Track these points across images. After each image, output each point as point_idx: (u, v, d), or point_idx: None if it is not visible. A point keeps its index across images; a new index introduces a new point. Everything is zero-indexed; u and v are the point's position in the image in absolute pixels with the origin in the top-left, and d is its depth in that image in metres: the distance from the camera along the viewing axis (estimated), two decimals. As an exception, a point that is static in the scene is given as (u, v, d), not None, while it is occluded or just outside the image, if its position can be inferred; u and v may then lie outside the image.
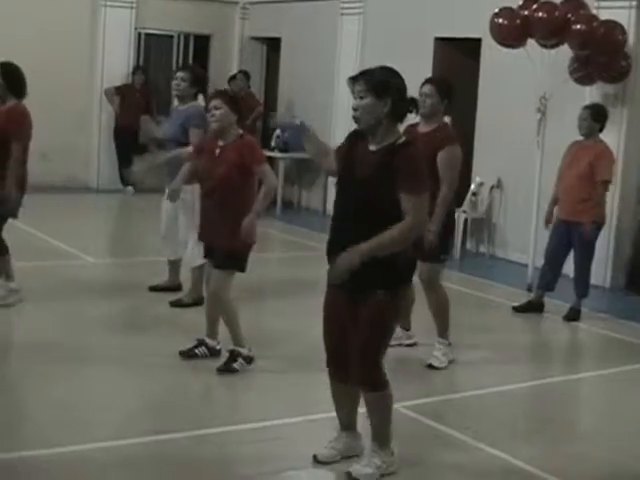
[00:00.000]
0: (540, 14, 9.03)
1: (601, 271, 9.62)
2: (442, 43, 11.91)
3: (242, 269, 6.30)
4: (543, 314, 8.57)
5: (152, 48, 15.14)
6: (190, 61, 14.87)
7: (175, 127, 7.81)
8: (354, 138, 4.71)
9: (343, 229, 4.67)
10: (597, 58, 9.22)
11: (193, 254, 7.82)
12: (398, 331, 7.09)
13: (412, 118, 5.27)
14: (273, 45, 15.20)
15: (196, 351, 6.49)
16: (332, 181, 13.50)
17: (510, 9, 9.34)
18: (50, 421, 5.29)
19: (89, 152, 14.47)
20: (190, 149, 6.94)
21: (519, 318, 8.52)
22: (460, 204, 10.47)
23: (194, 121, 7.73)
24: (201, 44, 15.30)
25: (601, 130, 8.42)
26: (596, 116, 8.36)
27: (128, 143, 14.09)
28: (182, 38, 15.18)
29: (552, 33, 9.01)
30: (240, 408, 6.03)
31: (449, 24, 11.57)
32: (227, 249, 6.17)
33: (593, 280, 8.83)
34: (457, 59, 11.76)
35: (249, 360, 6.31)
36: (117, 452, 4.93)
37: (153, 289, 8.26)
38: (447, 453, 5.24)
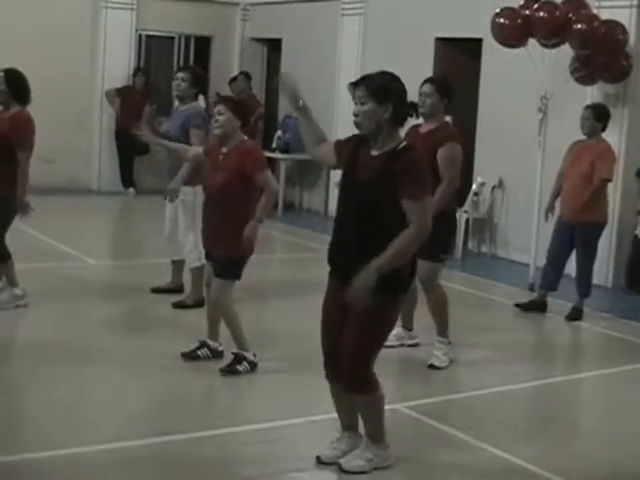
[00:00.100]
0: (541, 14, 9.03)
1: (603, 270, 9.62)
2: (443, 43, 11.91)
3: (237, 277, 6.32)
4: (546, 314, 8.56)
5: (153, 50, 15.15)
6: (191, 63, 14.85)
7: (176, 128, 7.82)
8: (357, 143, 4.71)
9: (345, 232, 4.68)
10: (598, 58, 9.22)
11: (191, 255, 7.83)
12: (401, 331, 7.11)
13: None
14: (274, 46, 15.20)
15: (198, 353, 6.49)
16: (333, 182, 13.54)
17: (511, 9, 9.34)
18: (52, 423, 5.29)
19: (90, 154, 14.48)
20: (196, 149, 6.92)
21: (521, 318, 8.51)
22: (462, 204, 10.46)
23: (194, 121, 7.74)
24: (202, 45, 15.30)
25: (603, 130, 8.43)
26: (598, 116, 8.36)
27: (129, 145, 14.11)
28: (183, 40, 15.18)
29: (553, 33, 9.01)
30: (242, 409, 6.03)
31: (450, 24, 11.56)
32: (226, 258, 6.19)
33: (595, 280, 8.83)
34: (458, 59, 11.76)
35: (253, 365, 6.31)
36: (120, 453, 4.93)
37: (155, 291, 8.27)
38: (449, 453, 5.24)
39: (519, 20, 9.22)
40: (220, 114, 6.21)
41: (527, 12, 9.15)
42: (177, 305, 7.86)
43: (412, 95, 4.83)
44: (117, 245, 11.63)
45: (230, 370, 6.25)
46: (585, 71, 9.34)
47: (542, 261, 8.83)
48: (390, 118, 4.56)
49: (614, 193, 9.20)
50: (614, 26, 9.26)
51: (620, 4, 9.56)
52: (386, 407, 4.89)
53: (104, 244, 11.51)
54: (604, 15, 9.37)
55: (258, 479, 4.84)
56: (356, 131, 4.70)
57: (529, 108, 9.55)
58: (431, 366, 6.73)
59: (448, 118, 7.02)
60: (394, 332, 6.38)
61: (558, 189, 8.53)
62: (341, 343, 4.65)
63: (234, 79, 14.50)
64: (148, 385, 6.06)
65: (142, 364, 6.41)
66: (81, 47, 14.15)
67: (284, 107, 14.59)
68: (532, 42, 9.23)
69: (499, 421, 5.88)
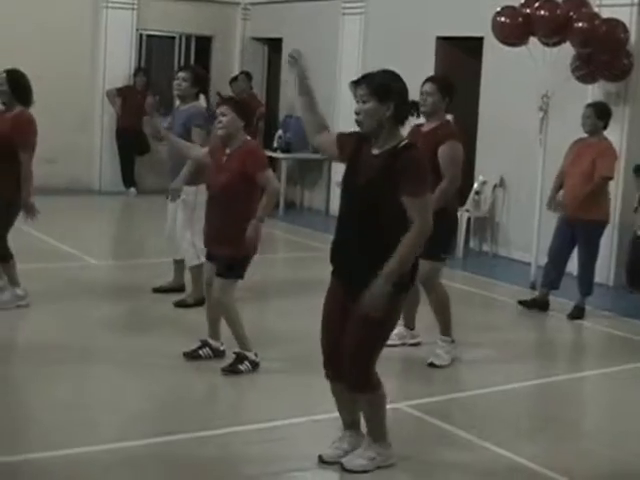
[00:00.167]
0: (542, 12, 9.03)
1: (605, 269, 9.62)
2: (444, 42, 11.90)
3: (240, 277, 6.32)
4: (548, 312, 8.55)
5: (153, 49, 15.14)
6: (192, 62, 14.84)
7: (177, 127, 7.82)
8: (359, 140, 4.71)
9: (347, 232, 4.68)
10: (599, 56, 9.21)
11: (188, 254, 7.84)
12: (402, 330, 7.11)
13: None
14: (275, 46, 15.19)
15: (200, 352, 6.49)
16: (335, 181, 13.55)
17: (512, 7, 9.34)
18: (55, 423, 5.29)
19: (91, 154, 14.47)
20: (199, 150, 6.91)
21: (523, 316, 8.51)
22: (463, 203, 10.46)
23: (196, 121, 7.75)
24: (202, 45, 15.30)
25: (605, 128, 8.43)
26: (600, 114, 8.36)
27: (130, 145, 14.12)
28: (183, 39, 15.17)
29: (554, 31, 9.01)
30: (244, 409, 6.03)
31: (451, 23, 11.56)
32: (229, 257, 6.19)
33: (597, 278, 8.83)
34: (459, 58, 11.75)
35: (255, 365, 6.31)
36: (122, 453, 4.93)
37: (157, 290, 8.26)
38: (452, 452, 5.24)
39: (520, 19, 9.22)
40: (223, 115, 6.21)
41: (528, 11, 9.15)
42: (178, 304, 7.87)
43: (413, 94, 4.83)
44: (118, 245, 11.63)
45: (232, 370, 6.25)
46: (586, 70, 9.33)
47: (543, 260, 8.82)
48: (391, 117, 4.57)
49: (615, 191, 9.20)
50: (615, 24, 9.25)
51: (621, 2, 9.55)
52: (388, 406, 4.90)
53: (105, 244, 11.51)
54: (605, 13, 9.36)
55: (260, 478, 4.84)
56: (357, 129, 4.71)
57: (530, 107, 9.55)
58: (431, 364, 6.73)
59: (449, 117, 7.02)
60: (396, 331, 6.37)
61: (559, 186, 8.53)
62: (343, 343, 4.65)
63: (235, 79, 14.49)
64: (150, 385, 6.07)
65: (144, 364, 6.41)
66: (82, 47, 14.14)
67: (285, 107, 14.60)
68: (533, 41, 9.22)
69: (501, 420, 5.88)
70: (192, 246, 7.82)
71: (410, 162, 4.53)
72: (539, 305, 8.60)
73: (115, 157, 14.37)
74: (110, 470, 4.76)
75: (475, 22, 10.67)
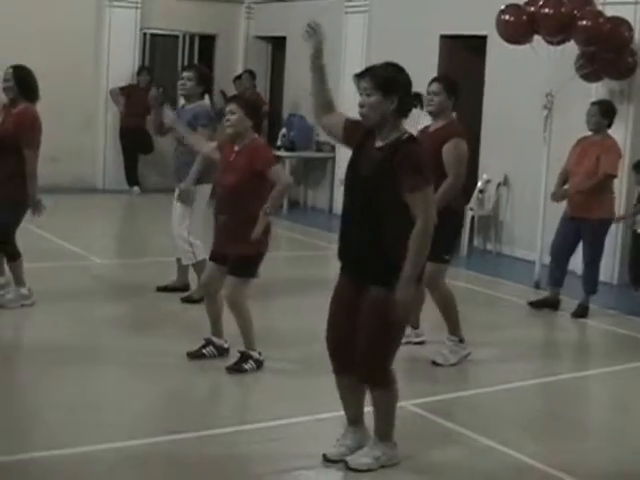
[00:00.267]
0: (546, 10, 9.03)
1: (609, 267, 9.61)
2: (448, 40, 11.90)
3: (253, 275, 6.28)
4: (555, 311, 8.53)
5: (157, 48, 15.15)
6: (195, 61, 14.86)
7: (182, 126, 7.82)
8: (364, 132, 4.69)
9: (350, 227, 4.69)
10: (603, 54, 9.20)
11: (185, 253, 7.84)
12: (407, 329, 7.09)
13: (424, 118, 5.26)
14: (278, 44, 15.19)
15: (204, 351, 6.49)
16: (338, 179, 13.50)
17: (516, 6, 9.34)
18: (60, 422, 5.29)
19: (95, 153, 14.49)
20: (210, 145, 6.89)
21: (527, 315, 8.51)
22: (469, 201, 10.45)
23: (201, 120, 7.74)
24: (206, 44, 15.31)
25: (609, 126, 8.42)
26: (604, 112, 8.36)
27: (134, 143, 14.12)
28: (187, 38, 15.18)
29: (558, 30, 9.01)
30: (249, 408, 6.04)
31: (455, 21, 11.55)
32: (242, 255, 6.13)
33: (601, 276, 8.81)
34: (463, 56, 11.74)
35: (259, 364, 6.31)
36: (128, 452, 4.93)
37: (161, 289, 8.26)
38: (456, 451, 5.24)
39: (524, 17, 9.22)
40: (232, 113, 6.18)
41: (532, 9, 9.15)
42: (185, 300, 7.89)
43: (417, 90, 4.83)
44: (122, 244, 11.63)
45: (237, 368, 6.25)
46: (590, 68, 9.32)
47: (548, 258, 8.82)
48: (395, 110, 4.56)
49: (619, 189, 9.19)
50: (619, 23, 9.24)
51: (625, 0, 9.55)
52: (394, 405, 4.90)
53: (109, 243, 11.52)
54: (609, 12, 9.36)
55: (265, 477, 4.84)
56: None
57: (534, 105, 9.55)
58: (434, 363, 6.74)
59: (453, 114, 7.02)
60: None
61: (562, 182, 8.51)
62: (354, 338, 4.64)
63: (238, 77, 14.51)
64: (154, 383, 6.06)
65: (148, 363, 6.41)
66: (85, 46, 14.15)
67: (288, 105, 14.60)
68: (537, 39, 9.23)
69: (506, 418, 5.88)
70: (188, 245, 7.82)
71: (409, 155, 4.52)
72: (550, 304, 8.56)
73: (119, 156, 14.38)
74: (115, 469, 4.76)
75: (479, 20, 10.66)
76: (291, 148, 13.85)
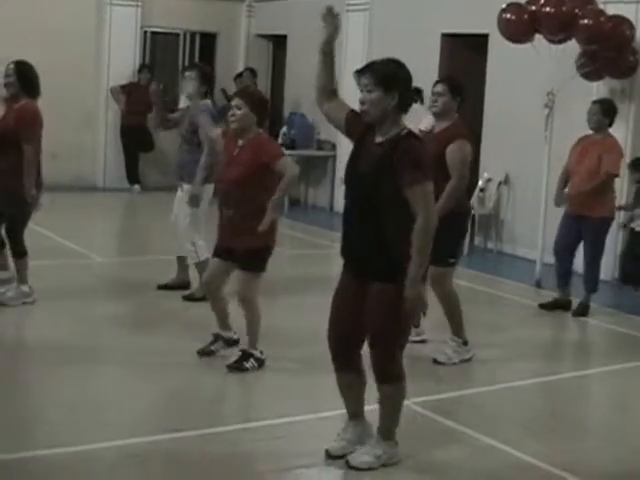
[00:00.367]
0: (548, 9, 9.03)
1: (609, 266, 9.61)
2: (449, 39, 11.90)
3: (263, 269, 6.25)
4: (555, 310, 8.52)
5: (158, 46, 15.15)
6: (196, 59, 14.85)
7: (185, 126, 7.83)
8: (365, 127, 4.69)
9: (353, 223, 4.70)
10: (605, 53, 9.20)
11: (190, 252, 7.84)
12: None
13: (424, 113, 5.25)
14: (279, 42, 15.19)
15: (212, 347, 6.49)
16: (339, 178, 13.46)
17: (518, 4, 9.34)
18: (62, 420, 5.29)
19: (96, 151, 14.48)
20: (215, 130, 6.87)
21: (528, 314, 8.51)
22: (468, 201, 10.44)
23: (205, 119, 7.73)
24: (207, 42, 15.30)
25: (610, 125, 8.42)
26: (606, 111, 8.36)
27: (134, 141, 14.12)
28: (188, 36, 15.18)
29: (560, 28, 9.01)
30: (251, 406, 6.04)
31: (456, 20, 11.55)
32: (251, 250, 6.10)
33: (601, 275, 8.81)
34: (464, 55, 11.74)
35: (260, 362, 6.31)
36: (130, 450, 4.93)
37: (162, 287, 8.26)
38: (458, 450, 5.24)
39: (525, 15, 9.22)
40: (238, 108, 6.15)
41: (533, 7, 9.15)
42: (187, 298, 7.90)
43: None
44: (123, 242, 11.63)
45: (237, 367, 6.24)
46: (592, 67, 9.32)
47: (549, 257, 8.81)
48: (396, 106, 4.57)
49: (620, 188, 9.18)
50: (621, 21, 9.25)
51: (627, -1, 9.56)
52: (395, 403, 4.90)
53: (110, 241, 11.52)
54: (611, 10, 9.36)
55: (267, 475, 4.85)
56: None
57: (535, 104, 9.54)
58: (434, 361, 6.74)
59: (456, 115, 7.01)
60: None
61: (564, 183, 8.51)
62: (366, 331, 4.66)
63: (239, 75, 14.51)
64: (156, 382, 6.06)
65: (149, 361, 6.41)
66: (86, 44, 14.14)
67: (290, 103, 14.60)
68: (538, 37, 9.22)
69: (508, 417, 5.89)
70: (192, 244, 7.82)
71: (409, 150, 4.52)
72: (561, 306, 8.53)
73: (119, 154, 14.37)
74: (116, 467, 4.76)
75: (480, 19, 10.66)
76: (292, 146, 13.83)
